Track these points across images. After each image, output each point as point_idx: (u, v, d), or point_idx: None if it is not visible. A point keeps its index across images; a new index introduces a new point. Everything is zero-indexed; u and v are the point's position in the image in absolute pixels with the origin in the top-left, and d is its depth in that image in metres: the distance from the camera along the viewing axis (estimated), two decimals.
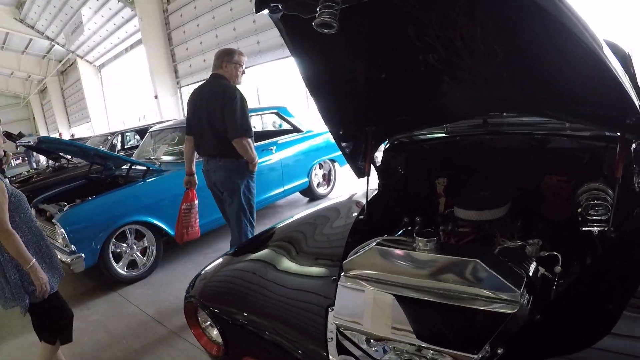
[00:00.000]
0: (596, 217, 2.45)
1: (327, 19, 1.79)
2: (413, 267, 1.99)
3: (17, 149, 13.39)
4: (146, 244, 6.60)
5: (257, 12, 2.04)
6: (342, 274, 2.18)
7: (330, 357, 1.89)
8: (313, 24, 1.83)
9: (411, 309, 1.89)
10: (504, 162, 3.07)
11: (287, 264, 2.70)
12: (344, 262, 2.20)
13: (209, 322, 2.57)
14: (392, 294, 1.95)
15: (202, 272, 2.81)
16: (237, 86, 4.89)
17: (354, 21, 2.15)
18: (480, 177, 3.13)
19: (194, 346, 4.29)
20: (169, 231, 6.56)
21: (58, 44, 35.61)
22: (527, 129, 2.96)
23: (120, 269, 6.31)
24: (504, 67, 2.28)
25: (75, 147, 7.61)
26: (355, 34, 2.33)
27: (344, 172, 8.71)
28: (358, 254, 2.15)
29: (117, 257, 6.31)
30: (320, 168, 9.10)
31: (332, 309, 2.09)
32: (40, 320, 3.83)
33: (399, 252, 2.04)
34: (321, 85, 2.66)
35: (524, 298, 1.78)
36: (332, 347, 1.94)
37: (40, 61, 41.30)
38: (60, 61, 39.81)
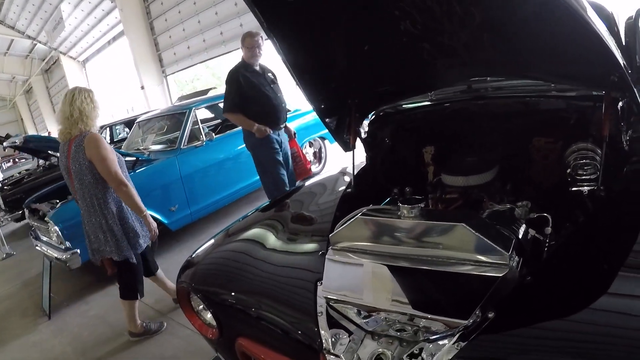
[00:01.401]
0: (585, 177, 2.44)
1: None
2: (399, 235, 1.98)
3: (4, 150, 13.31)
4: None
5: None
6: (329, 247, 2.17)
7: (321, 331, 1.86)
8: None
9: (400, 278, 1.88)
10: (491, 126, 3.04)
11: (276, 241, 2.67)
12: (330, 235, 2.19)
13: (202, 306, 2.57)
14: (380, 264, 1.95)
15: (193, 256, 2.80)
16: (248, 64, 5.61)
17: None
18: (467, 143, 3.11)
19: (194, 332, 4.26)
20: (162, 220, 6.57)
21: (40, 42, 35.22)
22: (512, 92, 2.92)
23: None
24: (483, 30, 2.25)
25: None
26: (329, 6, 2.31)
27: (336, 149, 8.68)
28: (344, 225, 2.13)
29: None
30: (310, 146, 9.07)
31: (321, 283, 2.07)
32: (132, 274, 4.31)
33: (384, 221, 2.03)
34: (299, 62, 2.65)
35: (513, 260, 1.77)
36: (322, 321, 1.91)
37: (24, 61, 40.88)
38: (44, 59, 39.40)
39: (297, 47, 2.57)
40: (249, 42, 5.48)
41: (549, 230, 2.09)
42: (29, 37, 35.02)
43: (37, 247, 6.68)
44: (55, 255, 5.86)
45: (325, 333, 1.85)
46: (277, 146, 5.72)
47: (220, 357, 2.77)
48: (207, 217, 7.49)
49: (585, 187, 2.40)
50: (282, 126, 5.85)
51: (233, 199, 7.58)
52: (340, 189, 3.21)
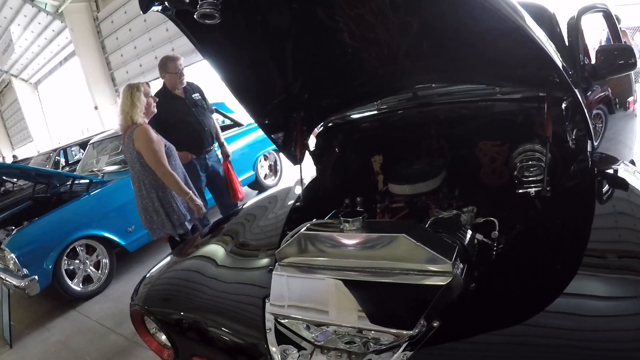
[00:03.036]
0: (531, 178, 2.47)
1: (207, 10, 1.80)
2: (343, 249, 1.99)
3: None
4: (99, 258, 6.55)
5: (144, 12, 2.04)
6: (276, 263, 2.18)
7: (271, 347, 1.89)
8: (194, 16, 1.83)
9: (346, 291, 1.87)
10: (437, 132, 3.09)
11: (227, 258, 2.69)
12: (276, 251, 2.20)
13: (155, 327, 2.56)
14: (326, 278, 1.94)
15: (147, 276, 2.81)
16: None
17: (253, 9, 2.18)
18: (414, 150, 3.14)
19: (155, 355, 4.28)
20: (120, 242, 6.56)
21: None
22: (457, 97, 2.95)
23: (76, 285, 6.25)
24: (422, 39, 2.30)
25: (15, 169, 7.49)
26: (260, 21, 2.33)
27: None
28: (288, 241, 2.14)
29: (72, 275, 6.25)
30: (265, 159, 9.11)
31: (268, 300, 2.09)
32: None
33: (326, 235, 2.04)
34: (238, 80, 2.66)
35: (457, 268, 1.79)
36: (271, 337, 1.93)
37: None
38: None
39: (234, 65, 2.59)
40: (173, 67, 5.27)
41: (495, 234, 2.13)
42: None
43: None
44: (14, 283, 5.80)
45: (274, 349, 1.88)
46: (199, 172, 5.56)
47: None
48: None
49: (532, 189, 2.43)
50: (208, 149, 5.68)
51: None
52: (288, 204, 3.19)
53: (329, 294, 1.90)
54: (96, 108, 24.31)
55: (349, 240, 1.98)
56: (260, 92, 2.83)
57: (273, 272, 2.14)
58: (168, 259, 2.96)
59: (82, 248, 6.38)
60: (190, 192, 4.41)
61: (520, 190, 2.46)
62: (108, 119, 23.75)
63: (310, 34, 2.47)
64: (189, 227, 4.53)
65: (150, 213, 4.38)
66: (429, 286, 1.73)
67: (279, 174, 9.36)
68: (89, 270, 6.45)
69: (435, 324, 1.64)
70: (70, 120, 31.77)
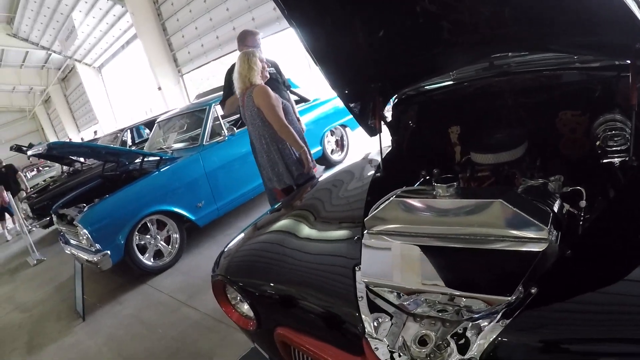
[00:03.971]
0: (616, 148, 2.36)
1: None
2: (436, 215, 1.93)
3: (29, 159, 13.43)
4: (169, 233, 6.64)
5: None
6: (365, 232, 2.13)
7: (363, 316, 1.86)
8: None
9: (439, 258, 1.84)
10: (516, 102, 2.98)
11: (309, 231, 2.65)
12: (365, 219, 2.14)
13: (238, 298, 2.58)
14: (418, 245, 1.89)
15: (225, 250, 2.80)
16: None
17: None
18: (493, 120, 3.06)
19: (229, 326, 4.30)
20: (190, 216, 6.64)
21: (54, 52, 35.48)
22: (535, 66, 2.84)
23: (147, 260, 6.36)
24: (504, 4, 2.23)
25: (86, 147, 7.65)
26: None
27: (357, 136, 8.75)
28: (378, 209, 2.08)
29: (143, 250, 6.36)
30: (332, 135, 9.02)
31: (359, 268, 2.05)
32: None
33: (419, 201, 1.98)
34: (320, 47, 2.61)
35: (552, 234, 1.72)
36: (363, 306, 1.90)
37: (40, 72, 41.22)
38: (60, 69, 39.70)
39: (317, 33, 2.54)
40: (252, 41, 5.46)
41: (583, 203, 2.03)
42: (43, 47, 35.31)
43: (67, 251, 6.81)
44: (86, 258, 5.95)
45: (367, 317, 1.85)
46: None
47: (257, 348, 2.78)
48: (234, 211, 7.51)
49: (617, 159, 2.33)
50: None
51: (258, 192, 7.50)
52: (367, 175, 3.14)
53: (422, 262, 1.86)
54: (159, 89, 24.62)
55: (443, 207, 1.91)
56: (342, 60, 2.76)
57: (363, 240, 2.09)
58: (243, 233, 2.96)
59: (153, 223, 6.48)
60: (305, 146, 4.75)
61: (605, 160, 2.36)
62: (171, 99, 24.10)
63: (392, 1, 2.41)
64: (303, 178, 4.78)
65: (270, 165, 4.76)
66: (526, 252, 1.67)
67: (345, 149, 9.25)
68: (160, 245, 6.55)
69: (533, 291, 1.58)
70: (134, 101, 32.31)
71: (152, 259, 6.43)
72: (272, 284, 2.31)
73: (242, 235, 2.94)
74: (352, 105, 3.09)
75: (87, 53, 34.63)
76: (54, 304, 6.73)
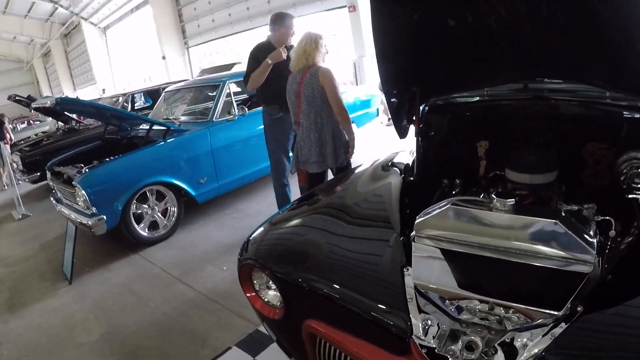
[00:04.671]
0: None
1: None
2: (490, 227, 1.99)
3: (31, 112, 13.28)
4: (167, 205, 6.53)
5: None
6: (414, 234, 2.13)
7: (412, 317, 1.93)
8: None
9: (490, 269, 1.92)
10: (547, 127, 3.07)
11: (343, 226, 2.68)
12: (416, 222, 2.14)
13: (264, 285, 2.60)
14: (472, 254, 1.96)
15: (252, 237, 2.80)
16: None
17: None
18: (523, 141, 3.13)
19: (224, 308, 4.25)
20: (190, 191, 6.54)
21: (62, 6, 35.05)
22: (568, 95, 2.99)
23: (142, 230, 6.24)
24: (562, 34, 2.32)
25: (93, 107, 7.46)
26: None
27: (360, 134, 8.58)
28: (432, 213, 2.12)
29: (138, 219, 6.23)
30: None
31: (407, 269, 2.13)
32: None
33: (475, 212, 2.04)
34: (387, 39, 2.67)
35: (596, 259, 1.81)
36: (412, 307, 1.97)
37: (44, 25, 40.74)
38: (64, 24, 39.35)
39: (388, 21, 2.58)
40: (289, 24, 5.46)
41: (613, 233, 2.14)
42: (50, 0, 34.84)
43: (59, 210, 6.65)
44: (80, 220, 5.82)
45: (415, 319, 1.92)
46: (289, 129, 5.65)
47: (272, 335, 2.79)
48: (233, 191, 7.48)
49: None
50: None
51: (260, 175, 7.50)
52: (390, 176, 3.25)
53: (474, 270, 1.98)
54: (164, 58, 24.53)
55: (499, 220, 1.98)
56: (398, 55, 2.81)
57: (413, 243, 2.12)
58: (268, 224, 2.95)
59: (152, 194, 6.36)
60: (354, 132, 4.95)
61: (631, 195, 2.45)
62: (174, 70, 23.99)
63: (461, 11, 2.47)
64: (345, 162, 4.93)
65: (317, 145, 4.79)
66: (575, 273, 1.78)
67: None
68: (157, 217, 6.44)
69: (579, 309, 1.73)
70: (135, 67, 32.15)
71: (147, 230, 6.32)
72: (309, 274, 2.33)
73: (267, 225, 2.93)
74: (391, 104, 3.16)
75: (94, 12, 34.36)
76: (38, 263, 6.59)
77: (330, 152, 4.77)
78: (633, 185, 2.46)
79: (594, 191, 2.76)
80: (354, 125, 8.72)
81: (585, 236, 1.85)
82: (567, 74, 2.80)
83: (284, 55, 5.28)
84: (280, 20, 5.42)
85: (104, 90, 29.39)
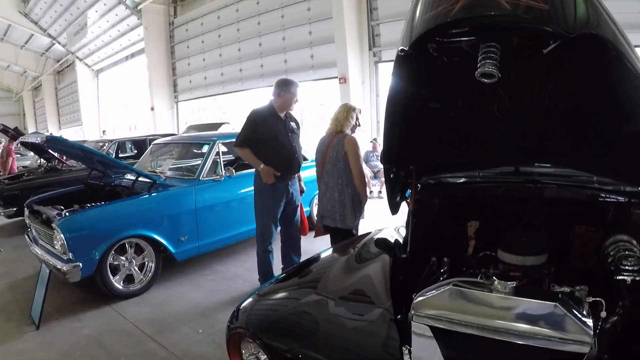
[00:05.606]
0: (629, 268, 2.48)
1: (489, 69, 2.01)
2: (490, 309, 2.04)
3: (16, 146, 13.26)
4: (145, 260, 6.42)
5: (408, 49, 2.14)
6: (413, 313, 2.17)
7: None
8: (476, 73, 2.06)
9: (491, 350, 1.98)
10: (537, 210, 3.16)
11: (331, 302, 2.70)
12: (415, 301, 2.20)
13: (253, 355, 2.56)
14: (472, 335, 2.01)
15: (242, 306, 2.78)
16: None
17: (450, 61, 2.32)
18: (513, 223, 3.21)
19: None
20: (170, 248, 6.46)
21: (59, 43, 35.43)
22: (557, 179, 3.12)
23: (117, 282, 6.11)
24: (560, 123, 2.49)
25: (81, 150, 7.44)
26: (452, 79, 2.48)
27: None
28: (432, 293, 2.17)
29: (114, 270, 6.11)
30: None
31: (407, 348, 2.15)
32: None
33: (477, 294, 2.09)
34: (396, 119, 2.76)
35: (593, 339, 1.86)
36: None
37: (38, 58, 41.09)
38: (59, 61, 39.61)
39: (401, 106, 2.67)
40: (294, 91, 5.57)
41: (604, 314, 2.18)
42: (49, 35, 35.28)
43: (32, 251, 6.53)
44: (55, 265, 5.69)
45: None
46: (282, 199, 5.75)
47: None
48: (212, 253, 7.42)
49: (629, 277, 2.45)
50: (294, 176, 5.91)
51: (241, 239, 7.51)
52: (380, 253, 3.28)
53: (475, 351, 2.03)
54: (152, 109, 24.63)
55: (499, 302, 2.04)
56: (403, 132, 2.90)
57: (413, 322, 2.15)
58: (266, 290, 2.99)
59: (131, 246, 6.27)
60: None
61: (619, 277, 2.47)
62: (161, 122, 24.07)
63: (468, 97, 2.61)
64: (359, 221, 5.49)
65: (338, 204, 5.30)
66: (573, 354, 1.84)
67: None
68: (133, 270, 6.32)
69: None
70: (122, 114, 32.20)
71: (122, 282, 6.19)
72: (301, 347, 2.34)
73: (256, 296, 2.92)
74: (391, 181, 3.30)
75: (90, 53, 34.66)
76: (5, 303, 6.40)
77: (349, 212, 5.27)
78: (621, 267, 2.50)
79: (581, 272, 2.84)
80: None
81: (582, 317, 1.91)
82: (559, 159, 2.91)
83: (273, 175, 5.51)
84: (285, 87, 5.53)
85: (104, 131, 29.29)
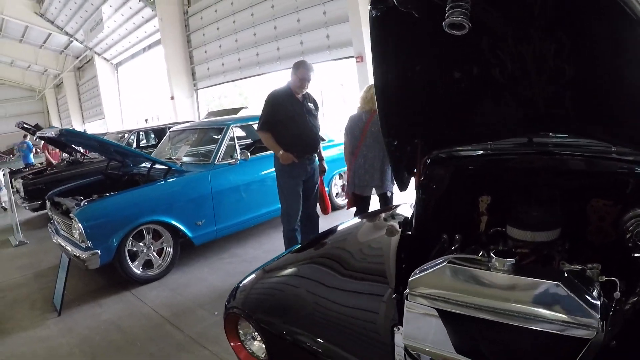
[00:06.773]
0: None
1: (457, 19, 1.80)
2: (487, 288, 1.88)
3: (35, 140, 13.46)
4: (163, 245, 6.49)
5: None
6: (407, 292, 2.04)
7: None
8: (443, 24, 1.84)
9: (487, 332, 1.82)
10: (551, 182, 2.96)
11: (334, 280, 2.60)
12: (410, 279, 2.05)
13: (250, 335, 2.51)
14: (467, 316, 1.85)
15: (241, 285, 2.72)
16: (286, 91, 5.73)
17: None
18: (526, 197, 2.96)
19: (212, 353, 4.20)
20: (187, 233, 6.51)
21: (77, 40, 35.57)
22: (573, 150, 2.88)
23: (136, 268, 6.19)
24: (569, 87, 2.29)
25: (96, 141, 7.52)
26: (438, 39, 2.28)
27: None
28: (427, 271, 2.01)
29: (133, 256, 6.20)
30: (340, 178, 8.96)
31: (398, 329, 1.99)
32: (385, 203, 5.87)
33: (472, 271, 1.93)
34: (390, 89, 2.68)
35: (600, 323, 1.68)
36: None
37: (58, 56, 41.42)
38: (78, 57, 39.82)
39: (392, 75, 2.61)
40: (303, 73, 5.54)
41: (617, 294, 1.98)
42: (66, 33, 35.41)
43: (54, 241, 6.67)
44: (74, 253, 5.81)
45: None
46: (301, 177, 5.78)
47: None
48: (230, 236, 7.45)
49: None
50: (313, 155, 5.94)
51: (259, 221, 7.53)
52: (388, 230, 3.21)
53: (469, 333, 1.87)
54: (172, 98, 24.66)
55: (497, 281, 1.86)
56: (401, 106, 2.82)
57: (406, 301, 2.01)
58: (259, 272, 2.88)
59: (149, 232, 6.34)
60: None
61: (637, 254, 2.33)
62: (182, 111, 24.10)
63: (467, 62, 2.48)
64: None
65: (378, 172, 5.67)
66: (576, 338, 1.66)
67: None
68: (151, 256, 6.40)
69: None
70: (143, 105, 32.34)
71: (141, 268, 6.27)
72: (295, 328, 2.24)
73: (260, 272, 2.86)
74: (395, 156, 3.20)
75: (108, 48, 34.75)
76: (30, 291, 6.56)
77: (389, 179, 5.67)
78: (639, 242, 2.36)
79: (598, 249, 2.65)
80: None
81: (589, 298, 1.75)
82: (573, 128, 2.71)
83: (292, 159, 5.60)
84: (295, 68, 5.59)
85: (146, 120, 29.41)
